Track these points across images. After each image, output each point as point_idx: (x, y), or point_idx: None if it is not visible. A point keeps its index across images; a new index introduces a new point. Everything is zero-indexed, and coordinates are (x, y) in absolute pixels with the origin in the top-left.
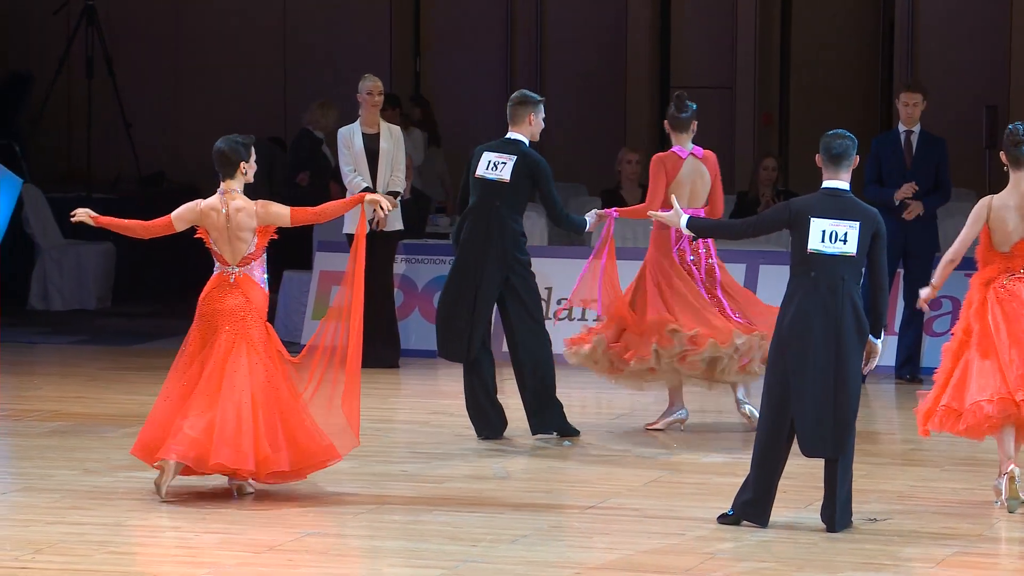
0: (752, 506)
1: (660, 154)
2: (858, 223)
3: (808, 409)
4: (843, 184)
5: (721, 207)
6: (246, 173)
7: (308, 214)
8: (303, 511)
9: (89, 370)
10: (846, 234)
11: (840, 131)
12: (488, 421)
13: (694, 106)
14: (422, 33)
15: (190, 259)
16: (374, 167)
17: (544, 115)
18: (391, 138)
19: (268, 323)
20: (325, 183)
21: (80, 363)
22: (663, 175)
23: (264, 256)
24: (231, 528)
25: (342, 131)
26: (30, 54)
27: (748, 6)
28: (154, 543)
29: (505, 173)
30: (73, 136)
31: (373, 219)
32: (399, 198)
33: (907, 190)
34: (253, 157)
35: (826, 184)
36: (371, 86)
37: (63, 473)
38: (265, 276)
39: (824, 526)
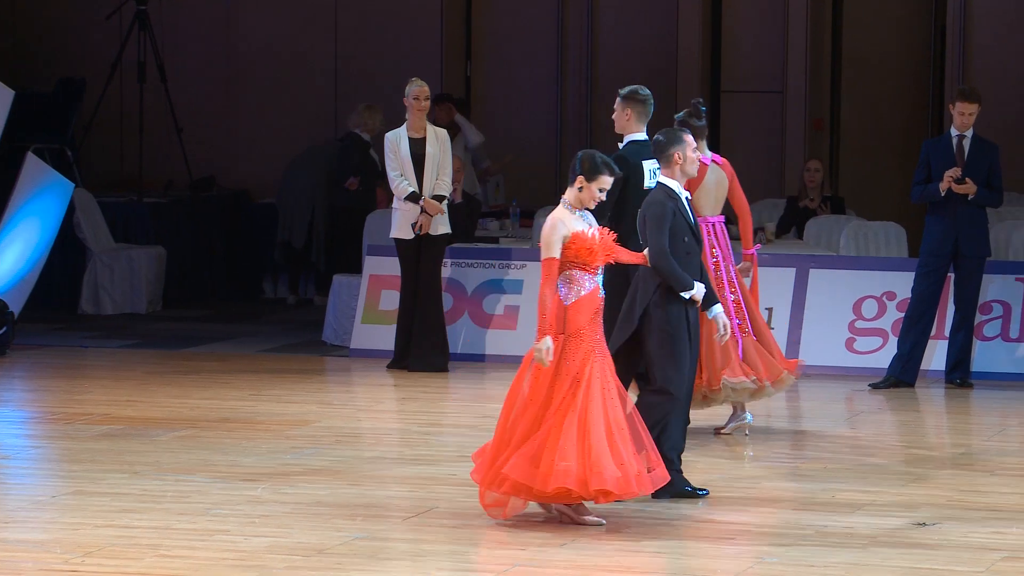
0: None
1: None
2: None
3: None
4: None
5: (747, 209)
6: (581, 189)
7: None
8: (352, 514)
9: (139, 374)
10: None
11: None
12: None
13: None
14: (473, 37)
15: (240, 264)
16: (420, 172)
17: None
18: (437, 142)
19: (564, 336)
20: (373, 187)
21: (130, 367)
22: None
23: (569, 272)
24: (280, 531)
25: (389, 135)
26: (82, 60)
27: (799, 10)
28: (203, 546)
29: (653, 180)
30: (125, 141)
31: (416, 224)
32: (444, 202)
33: (951, 175)
34: (604, 175)
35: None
36: (418, 90)
37: (113, 476)
38: (571, 291)
39: (867, 534)
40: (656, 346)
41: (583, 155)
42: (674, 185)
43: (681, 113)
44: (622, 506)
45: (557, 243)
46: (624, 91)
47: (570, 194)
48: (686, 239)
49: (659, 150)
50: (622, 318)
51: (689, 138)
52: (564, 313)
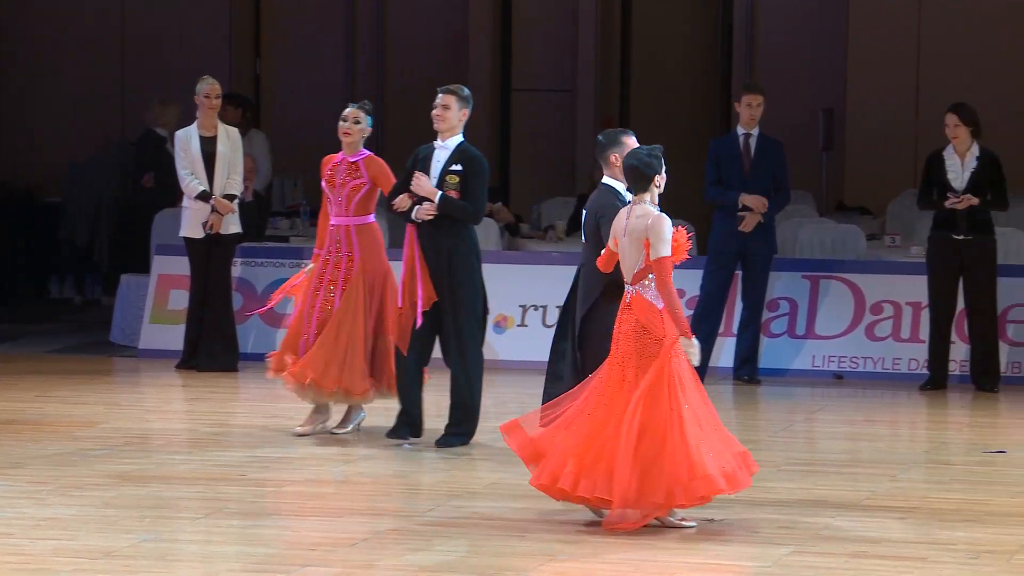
0: None
1: (377, 157)
2: None
3: None
4: None
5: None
6: (659, 186)
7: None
8: (140, 516)
9: None
10: None
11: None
12: None
13: None
14: (262, 35)
15: (25, 263)
16: (211, 170)
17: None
18: (228, 141)
19: (670, 348)
20: (170, 183)
21: None
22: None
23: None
24: (66, 535)
25: (179, 134)
26: None
27: (589, 9)
28: None
29: None
30: None
31: (207, 223)
32: (235, 201)
33: (754, 204)
34: (664, 168)
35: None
36: (208, 88)
37: None
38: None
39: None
40: (597, 346)
41: (645, 160)
42: (619, 187)
43: (355, 105)
44: (412, 504)
45: (670, 241)
46: (456, 89)
47: (653, 196)
48: None
49: (597, 151)
50: (561, 317)
51: (627, 139)
52: (661, 317)
